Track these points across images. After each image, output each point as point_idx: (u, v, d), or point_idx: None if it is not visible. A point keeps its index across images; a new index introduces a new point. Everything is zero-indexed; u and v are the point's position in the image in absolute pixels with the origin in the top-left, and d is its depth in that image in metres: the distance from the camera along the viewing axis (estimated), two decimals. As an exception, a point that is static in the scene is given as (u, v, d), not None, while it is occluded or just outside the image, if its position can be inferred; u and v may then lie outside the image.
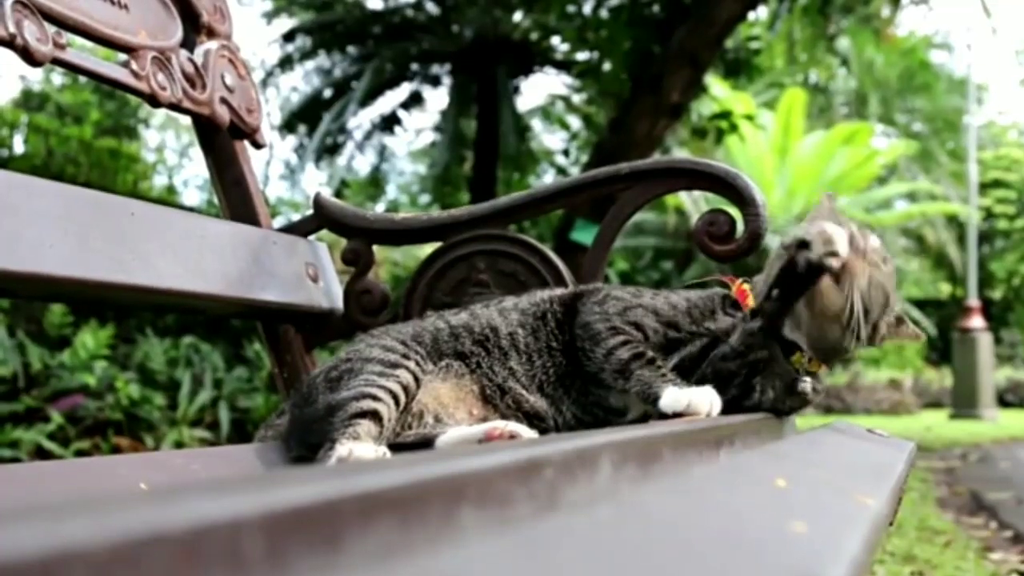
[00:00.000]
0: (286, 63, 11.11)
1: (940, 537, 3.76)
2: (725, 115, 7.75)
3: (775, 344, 1.29)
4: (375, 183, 13.74)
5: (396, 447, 1.20)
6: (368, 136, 11.82)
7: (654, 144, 6.95)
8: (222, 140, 1.75)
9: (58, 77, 11.04)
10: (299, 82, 11.99)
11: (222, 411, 5.46)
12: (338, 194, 11.02)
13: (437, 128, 12.21)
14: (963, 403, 13.46)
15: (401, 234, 1.72)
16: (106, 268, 1.28)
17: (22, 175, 1.23)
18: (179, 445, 4.97)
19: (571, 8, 8.00)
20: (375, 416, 1.18)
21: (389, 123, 11.70)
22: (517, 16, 10.53)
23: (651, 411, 1.24)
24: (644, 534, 0.46)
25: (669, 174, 1.62)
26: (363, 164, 14.22)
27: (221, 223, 1.64)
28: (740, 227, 1.54)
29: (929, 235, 19.27)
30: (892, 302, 1.31)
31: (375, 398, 1.20)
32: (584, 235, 6.16)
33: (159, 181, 12.39)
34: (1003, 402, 16.03)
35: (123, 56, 1.52)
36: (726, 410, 1.20)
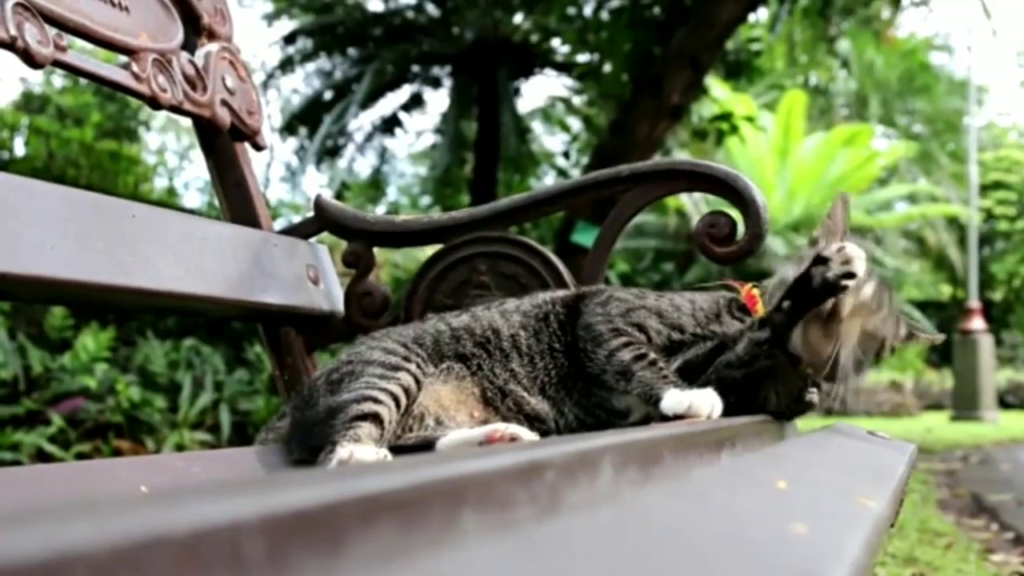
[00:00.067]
0: (287, 65, 11.11)
1: (941, 539, 3.76)
2: (726, 117, 7.75)
3: (782, 354, 1.28)
4: (376, 185, 13.74)
5: (397, 449, 1.20)
6: (369, 138, 11.82)
7: (655, 146, 6.96)
8: (223, 142, 1.75)
9: (59, 79, 11.06)
10: (300, 84, 12.00)
11: (223, 414, 5.46)
12: (339, 196, 11.02)
13: (438, 130, 12.21)
14: (964, 405, 13.46)
15: (402, 236, 1.72)
16: (107, 270, 1.28)
17: (23, 177, 1.23)
18: (180, 448, 4.97)
19: (571, 10, 8.00)
20: (376, 418, 1.18)
21: (390, 125, 11.71)
22: (518, 18, 10.53)
23: (652, 413, 1.24)
24: (645, 536, 0.46)
25: (670, 176, 1.62)
26: (364, 166, 14.22)
27: (222, 225, 1.64)
28: (741, 229, 1.54)
29: (930, 237, 19.26)
30: (890, 341, 1.30)
31: (376, 400, 1.20)
32: (585, 237, 6.16)
33: (160, 183, 12.39)
34: (1004, 404, 16.03)
35: (124, 58, 1.52)
36: (728, 414, 1.20)
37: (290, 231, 1.78)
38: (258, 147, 1.80)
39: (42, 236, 1.19)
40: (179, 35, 1.64)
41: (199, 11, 1.71)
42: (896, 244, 17.90)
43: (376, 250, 1.73)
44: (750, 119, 9.62)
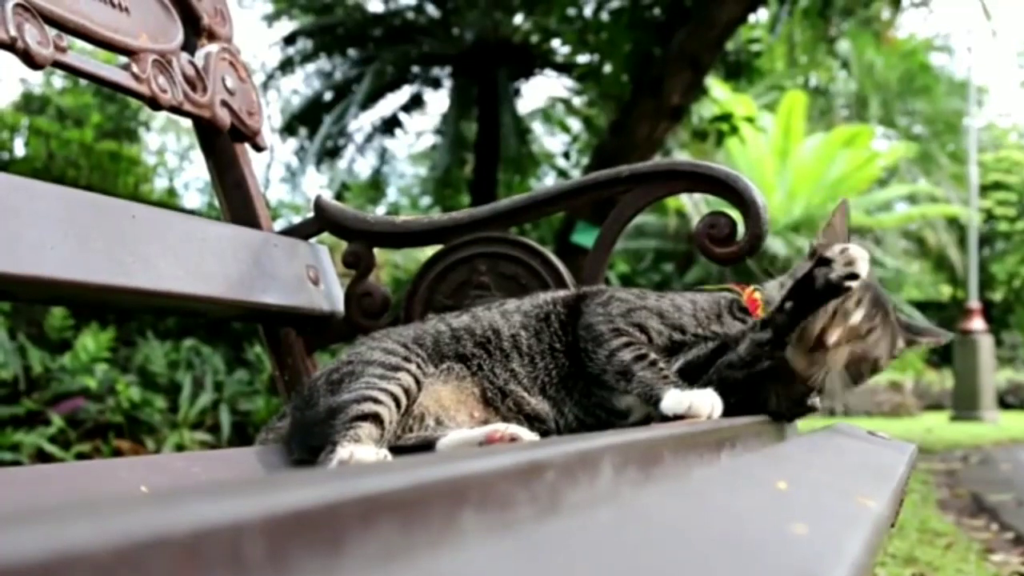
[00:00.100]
0: (287, 66, 11.11)
1: (941, 539, 3.76)
2: (726, 117, 7.75)
3: (784, 356, 1.28)
4: (376, 186, 13.74)
5: (397, 450, 1.20)
6: (369, 139, 11.83)
7: (655, 146, 6.96)
8: (223, 143, 1.75)
9: (59, 80, 11.05)
10: (300, 85, 12.00)
11: (223, 414, 5.46)
12: (339, 197, 11.02)
13: (438, 131, 12.21)
14: (964, 405, 13.47)
15: (402, 237, 1.73)
16: (107, 271, 1.28)
17: (23, 178, 1.23)
18: (180, 448, 4.98)
19: (571, 11, 8.00)
20: (376, 419, 1.18)
21: (390, 126, 11.71)
22: (518, 19, 10.54)
23: (653, 413, 1.24)
24: (645, 536, 0.46)
25: (670, 176, 1.62)
26: (364, 167, 14.23)
27: (222, 226, 1.64)
28: (741, 229, 1.54)
29: (930, 237, 19.26)
30: (884, 361, 1.29)
31: (376, 401, 1.20)
32: (585, 238, 6.16)
33: (160, 184, 12.38)
34: (1004, 404, 16.03)
35: (124, 59, 1.52)
36: (729, 414, 1.20)
37: (290, 232, 1.78)
38: (258, 148, 1.80)
39: (42, 236, 1.19)
40: (179, 36, 1.64)
41: (199, 12, 1.71)
42: (896, 244, 17.89)
43: (376, 251, 1.73)
44: (750, 120, 9.61)
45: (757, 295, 1.36)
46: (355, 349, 1.36)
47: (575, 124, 12.09)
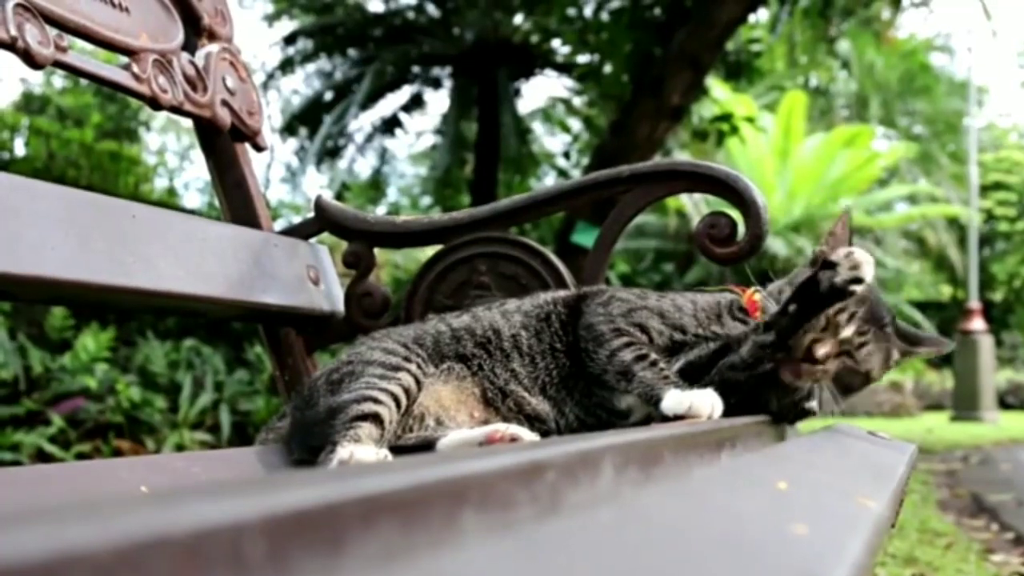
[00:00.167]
0: (287, 66, 11.11)
1: (941, 539, 3.76)
2: (726, 117, 7.75)
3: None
4: (376, 186, 13.74)
5: (397, 450, 1.20)
6: (369, 139, 11.83)
7: (655, 147, 6.95)
8: (223, 143, 1.75)
9: (59, 80, 11.05)
10: (300, 85, 12.00)
11: (223, 414, 5.46)
12: (339, 197, 11.02)
13: (438, 131, 12.21)
14: (964, 405, 13.46)
15: (402, 237, 1.73)
16: (107, 270, 1.28)
17: (23, 178, 1.23)
18: (180, 448, 4.98)
19: (572, 11, 8.00)
20: (376, 419, 1.18)
21: (390, 126, 11.71)
22: (518, 19, 10.53)
23: (653, 413, 1.24)
24: (646, 537, 0.46)
25: (670, 177, 1.62)
26: (364, 167, 14.23)
27: (222, 226, 1.64)
28: (741, 229, 1.54)
29: (930, 237, 19.26)
30: (876, 373, 1.29)
31: (376, 401, 1.20)
32: (585, 238, 6.16)
33: (160, 184, 12.38)
34: (1004, 404, 16.02)
35: (124, 59, 1.52)
36: (729, 415, 1.20)
37: (290, 232, 1.78)
38: (258, 148, 1.80)
39: (42, 236, 1.19)
40: (179, 36, 1.64)
41: (199, 12, 1.71)
42: (896, 245, 17.89)
43: (376, 251, 1.73)
44: (750, 120, 9.61)
45: (757, 296, 1.36)
46: (355, 349, 1.36)
47: (575, 124, 12.08)
